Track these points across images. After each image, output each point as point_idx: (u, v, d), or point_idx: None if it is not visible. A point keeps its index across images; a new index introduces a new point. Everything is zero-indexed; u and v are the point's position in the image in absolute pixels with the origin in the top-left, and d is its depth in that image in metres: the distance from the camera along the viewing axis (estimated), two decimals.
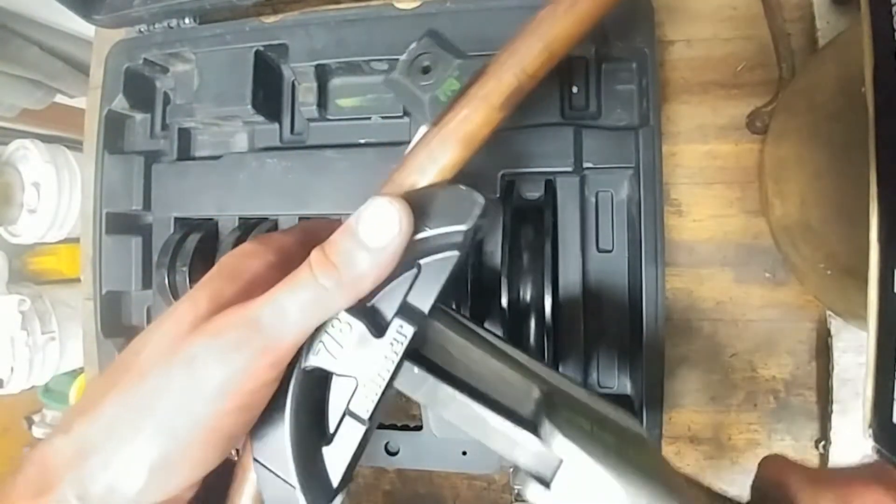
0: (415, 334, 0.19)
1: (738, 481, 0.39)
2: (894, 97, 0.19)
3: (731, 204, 0.39)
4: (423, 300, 0.20)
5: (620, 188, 0.37)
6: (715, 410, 0.39)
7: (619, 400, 0.37)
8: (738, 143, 0.39)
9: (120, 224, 0.43)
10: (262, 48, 0.39)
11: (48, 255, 1.17)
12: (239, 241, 0.38)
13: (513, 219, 0.34)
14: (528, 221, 0.36)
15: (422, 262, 0.20)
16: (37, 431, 1.29)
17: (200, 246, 0.39)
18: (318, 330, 0.19)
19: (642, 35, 0.35)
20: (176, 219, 0.41)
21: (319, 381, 0.20)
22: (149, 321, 0.43)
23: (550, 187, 0.36)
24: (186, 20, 0.42)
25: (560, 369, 0.36)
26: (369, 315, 0.20)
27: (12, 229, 1.07)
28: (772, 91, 0.37)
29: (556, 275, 0.35)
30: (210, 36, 0.40)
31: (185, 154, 0.43)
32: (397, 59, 0.37)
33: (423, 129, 0.23)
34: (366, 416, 0.19)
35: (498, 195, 0.36)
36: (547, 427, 0.19)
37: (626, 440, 0.20)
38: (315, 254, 0.19)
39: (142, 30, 0.43)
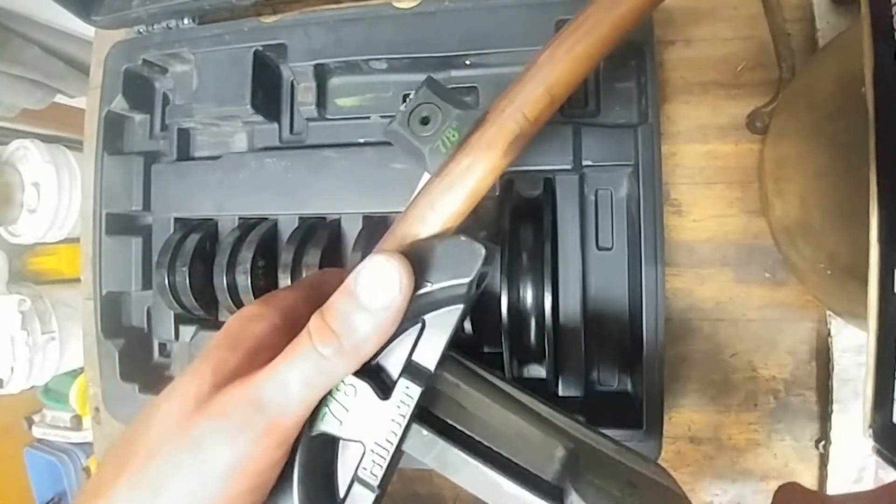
0: (422, 394, 0.19)
1: (738, 481, 0.39)
2: (894, 97, 0.19)
3: (731, 204, 0.39)
4: (429, 357, 0.19)
5: (620, 186, 0.37)
6: (715, 410, 0.39)
7: (620, 398, 0.37)
8: (738, 143, 0.39)
9: (120, 224, 0.43)
10: (260, 48, 0.39)
11: (48, 255, 1.17)
12: (239, 242, 0.38)
13: (512, 218, 0.34)
14: (528, 220, 0.36)
15: (426, 317, 0.19)
16: (37, 431, 1.29)
17: (200, 246, 0.39)
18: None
19: (640, 32, 0.35)
20: (176, 219, 0.41)
21: (327, 446, 0.19)
22: (149, 321, 0.43)
23: (549, 186, 0.36)
24: (185, 20, 0.42)
25: (561, 368, 0.36)
26: (375, 374, 0.19)
27: (12, 229, 1.07)
28: (772, 91, 0.37)
29: (555, 273, 0.35)
30: (209, 36, 0.40)
31: (184, 154, 0.43)
32: (396, 59, 0.37)
33: (425, 178, 0.22)
34: (375, 482, 0.19)
35: (497, 194, 0.36)
36: (574, 498, 0.18)
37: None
38: (314, 320, 0.18)
39: (141, 30, 0.43)
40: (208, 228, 0.41)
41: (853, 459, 0.36)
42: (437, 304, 0.19)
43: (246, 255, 0.37)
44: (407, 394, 0.19)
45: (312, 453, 0.19)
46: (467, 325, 0.35)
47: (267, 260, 0.39)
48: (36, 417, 1.30)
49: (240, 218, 0.40)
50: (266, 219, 0.40)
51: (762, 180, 0.37)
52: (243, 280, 0.37)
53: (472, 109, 0.22)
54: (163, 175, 0.42)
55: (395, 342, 0.19)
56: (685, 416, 0.39)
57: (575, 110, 0.37)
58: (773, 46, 0.37)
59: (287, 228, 0.39)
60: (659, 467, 0.21)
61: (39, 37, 0.81)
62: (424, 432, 0.19)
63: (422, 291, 0.19)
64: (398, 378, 0.19)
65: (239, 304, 0.38)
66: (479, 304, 0.37)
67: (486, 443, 0.20)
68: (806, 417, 0.38)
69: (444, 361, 0.20)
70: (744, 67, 0.39)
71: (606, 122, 0.37)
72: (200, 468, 0.17)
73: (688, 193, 0.39)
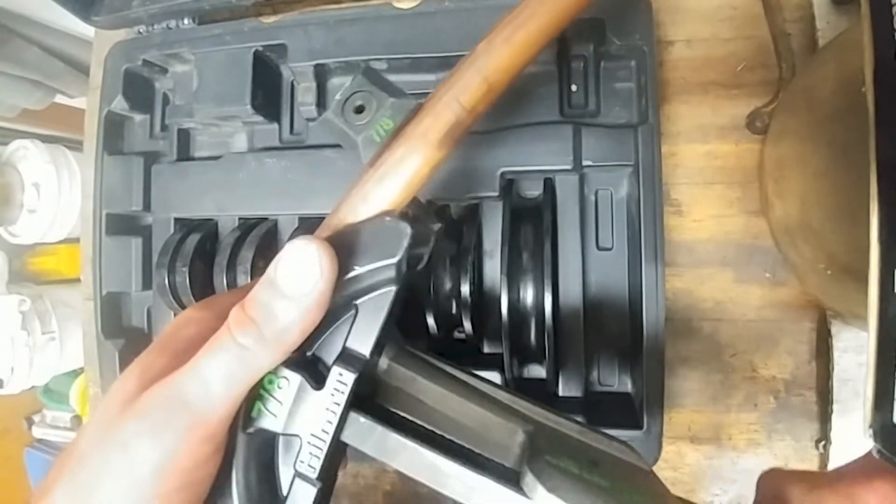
0: (357, 381, 0.18)
1: (738, 481, 0.39)
2: (894, 97, 0.19)
3: (731, 204, 0.39)
4: (364, 343, 0.19)
5: (620, 186, 0.37)
6: (715, 410, 0.39)
7: (620, 398, 0.37)
8: (738, 143, 0.39)
9: (120, 225, 0.43)
10: (261, 48, 0.39)
11: (48, 255, 1.17)
12: (239, 242, 0.38)
13: (512, 218, 0.34)
14: (528, 220, 0.36)
15: (358, 302, 0.19)
16: (37, 432, 1.29)
17: (200, 246, 0.39)
18: (256, 388, 0.18)
19: (641, 33, 0.35)
20: (176, 219, 0.41)
21: (266, 443, 0.19)
22: (149, 322, 0.43)
23: (550, 186, 0.36)
24: (185, 21, 0.42)
25: (561, 368, 0.36)
26: (310, 366, 0.19)
27: (12, 229, 1.07)
28: (772, 91, 0.37)
29: (555, 273, 0.35)
30: (209, 36, 0.40)
31: (184, 154, 0.43)
32: (396, 59, 0.37)
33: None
34: (313, 475, 0.18)
35: (497, 194, 0.36)
36: (529, 478, 0.17)
37: (622, 479, 0.19)
38: (234, 312, 0.18)
39: (141, 31, 0.43)
40: (208, 228, 0.41)
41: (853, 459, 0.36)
42: (369, 288, 0.19)
43: (246, 255, 0.37)
44: (340, 381, 0.18)
45: (251, 450, 0.19)
46: (467, 325, 0.35)
47: (267, 260, 0.38)
48: (36, 418, 1.31)
49: (240, 218, 0.40)
50: (266, 219, 0.40)
51: (762, 180, 0.37)
52: (243, 280, 0.37)
53: (408, 98, 0.21)
54: (163, 175, 0.42)
55: (330, 330, 0.19)
56: (685, 416, 0.39)
57: (575, 110, 0.37)
58: (773, 46, 0.37)
59: (287, 228, 0.39)
60: (625, 445, 0.21)
61: (39, 37, 0.81)
62: (362, 419, 0.19)
63: (350, 276, 0.18)
64: (331, 366, 0.18)
65: None
66: (480, 303, 0.37)
67: (439, 431, 0.19)
68: (806, 417, 0.38)
69: (381, 346, 0.19)
70: (744, 67, 0.39)
71: (606, 122, 0.37)
72: (129, 467, 0.17)
73: (688, 193, 0.39)
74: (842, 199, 0.28)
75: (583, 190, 0.37)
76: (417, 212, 0.23)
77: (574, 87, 0.37)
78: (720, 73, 0.39)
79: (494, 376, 0.35)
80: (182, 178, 0.41)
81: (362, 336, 0.19)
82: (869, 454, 0.21)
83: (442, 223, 0.25)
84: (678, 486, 0.39)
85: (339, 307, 0.19)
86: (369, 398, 0.20)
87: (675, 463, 0.39)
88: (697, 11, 0.39)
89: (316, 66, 0.39)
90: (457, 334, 0.38)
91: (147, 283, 0.42)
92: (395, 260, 0.18)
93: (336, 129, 0.21)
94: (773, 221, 0.37)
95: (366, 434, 0.19)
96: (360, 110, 0.21)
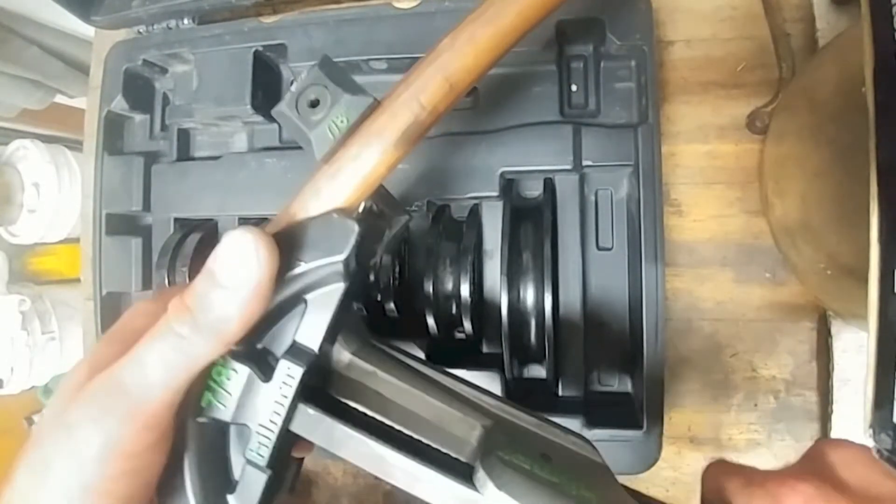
0: (305, 374, 0.18)
1: None
2: (894, 97, 0.19)
3: (731, 204, 0.39)
4: (312, 337, 0.19)
5: (620, 186, 0.37)
6: (715, 410, 0.39)
7: (620, 398, 0.37)
8: (738, 143, 0.39)
9: (120, 225, 0.43)
10: (260, 48, 0.39)
11: (48, 255, 1.17)
12: None
13: (512, 218, 0.34)
14: (528, 220, 0.36)
15: (307, 297, 0.19)
16: None
17: (200, 246, 0.39)
18: (205, 378, 0.19)
19: (641, 33, 0.35)
20: (176, 219, 0.41)
21: (217, 431, 0.19)
22: None
23: (550, 186, 0.36)
24: (185, 21, 0.42)
25: (561, 368, 0.36)
26: (259, 358, 0.19)
27: (12, 229, 1.07)
28: (772, 91, 0.37)
29: (555, 273, 0.35)
30: (209, 36, 0.40)
31: (184, 154, 0.43)
32: (396, 59, 0.37)
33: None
34: (263, 463, 0.19)
35: (497, 194, 0.36)
36: (480, 475, 0.18)
37: (573, 474, 0.19)
38: (173, 300, 0.18)
39: (141, 31, 0.43)
40: (208, 229, 0.41)
41: None
42: (317, 283, 0.19)
43: None
44: (289, 374, 0.18)
45: (203, 438, 0.19)
46: (467, 325, 0.35)
47: None
48: (36, 417, 1.30)
49: (240, 218, 0.40)
50: (266, 219, 0.40)
51: (762, 180, 0.37)
52: None
53: (365, 95, 0.20)
54: (163, 175, 0.42)
55: (280, 323, 0.19)
56: (685, 417, 0.39)
57: (575, 110, 0.37)
58: (773, 46, 0.37)
59: None
60: (582, 439, 0.21)
61: (39, 37, 0.81)
62: (311, 411, 0.19)
63: (296, 272, 0.18)
64: (279, 360, 0.19)
65: None
66: (480, 303, 0.37)
67: (391, 424, 0.20)
68: (806, 417, 0.38)
69: (331, 341, 0.20)
70: (744, 67, 0.39)
71: (606, 122, 0.37)
72: (76, 451, 0.17)
73: (688, 193, 0.39)
74: (842, 199, 0.28)
75: (583, 190, 0.37)
76: (383, 205, 0.23)
77: (574, 87, 0.37)
78: (720, 73, 0.39)
79: (494, 376, 0.35)
80: (182, 178, 0.41)
81: (311, 330, 0.19)
82: (803, 459, 0.22)
83: (410, 216, 0.24)
84: (678, 485, 0.39)
85: (288, 301, 0.19)
86: (322, 389, 0.20)
87: (674, 463, 0.39)
88: (697, 11, 0.39)
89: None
90: (457, 334, 0.38)
91: (147, 283, 0.42)
92: (341, 257, 0.18)
93: (290, 124, 0.20)
94: (773, 221, 0.37)
95: (314, 425, 0.19)
96: (314, 104, 0.20)
